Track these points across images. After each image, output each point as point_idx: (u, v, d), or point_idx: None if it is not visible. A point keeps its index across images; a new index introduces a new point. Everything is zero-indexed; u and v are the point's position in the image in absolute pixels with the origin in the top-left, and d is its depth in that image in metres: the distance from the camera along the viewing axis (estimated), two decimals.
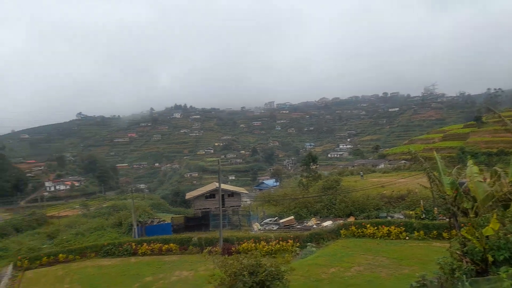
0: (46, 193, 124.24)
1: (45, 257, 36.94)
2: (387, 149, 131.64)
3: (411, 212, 38.12)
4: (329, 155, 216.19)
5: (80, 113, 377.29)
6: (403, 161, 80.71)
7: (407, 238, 31.61)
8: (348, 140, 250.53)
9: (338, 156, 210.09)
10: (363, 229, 33.96)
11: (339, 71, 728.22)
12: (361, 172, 66.78)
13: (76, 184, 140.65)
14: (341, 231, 34.69)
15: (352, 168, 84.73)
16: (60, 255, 37.30)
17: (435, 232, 30.92)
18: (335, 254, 29.35)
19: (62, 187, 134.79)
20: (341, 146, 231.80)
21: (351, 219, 40.84)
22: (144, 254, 36.60)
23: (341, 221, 39.89)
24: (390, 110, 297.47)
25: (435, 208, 36.42)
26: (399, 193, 44.26)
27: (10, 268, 34.90)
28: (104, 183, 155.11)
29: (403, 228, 32.43)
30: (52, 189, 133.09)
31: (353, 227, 34.57)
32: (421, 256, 26.35)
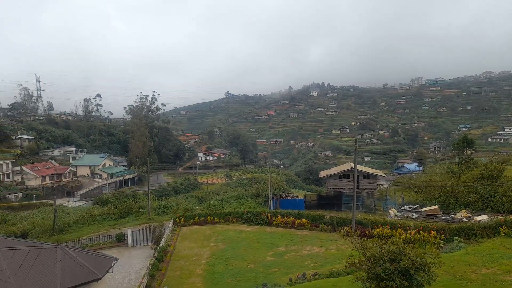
0: (198, 162, 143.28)
1: (197, 218, 42.87)
2: None
3: None
4: (489, 140, 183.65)
5: (227, 92, 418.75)
6: None
7: None
8: None
9: (503, 141, 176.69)
10: None
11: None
12: None
13: (222, 156, 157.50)
14: (501, 229, 29.19)
15: None
16: (209, 217, 42.68)
17: None
18: (491, 254, 25.00)
19: (210, 158, 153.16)
20: (507, 129, 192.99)
21: None
22: (278, 225, 38.64)
23: (501, 217, 33.57)
24: None
25: None
26: None
27: (170, 223, 41.85)
28: (245, 157, 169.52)
29: None
30: (203, 159, 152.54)
31: None
32: None
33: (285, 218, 39.01)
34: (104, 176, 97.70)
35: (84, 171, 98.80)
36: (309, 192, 59.76)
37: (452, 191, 42.75)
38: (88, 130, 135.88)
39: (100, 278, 19.09)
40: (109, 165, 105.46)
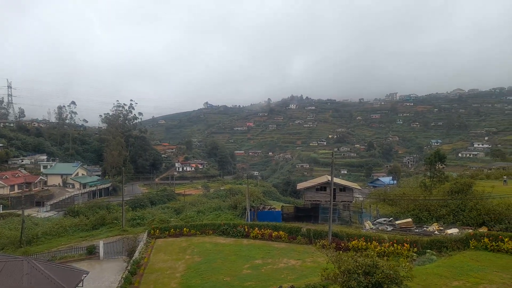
0: (175, 173, 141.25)
1: (172, 229, 42.06)
2: None
3: None
4: (459, 155, 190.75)
5: (207, 103, 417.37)
6: None
7: None
8: (486, 138, 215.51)
9: (471, 156, 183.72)
10: (500, 242, 28.93)
11: (483, 58, 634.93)
12: (505, 177, 56.99)
13: (200, 166, 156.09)
14: (471, 242, 30.18)
15: (489, 171, 73.03)
16: (185, 229, 41.95)
17: None
18: (461, 267, 25.77)
19: (188, 169, 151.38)
20: (476, 145, 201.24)
21: (484, 229, 35.21)
22: (255, 237, 38.43)
23: (471, 230, 34.75)
24: None
25: None
26: None
27: (145, 235, 40.87)
28: (223, 168, 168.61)
29: None
30: (180, 169, 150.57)
31: (486, 239, 29.74)
32: None
33: (262, 230, 38.88)
34: (77, 185, 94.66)
35: (55, 181, 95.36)
36: (287, 204, 59.94)
37: (424, 204, 43.92)
38: (61, 138, 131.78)
39: None
40: (82, 174, 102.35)
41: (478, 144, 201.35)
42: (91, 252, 35.21)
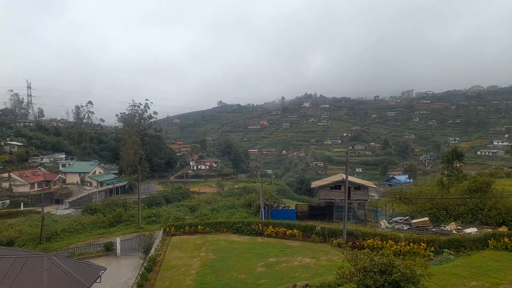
0: (190, 171, 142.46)
1: (187, 227, 42.52)
2: None
3: None
4: (478, 153, 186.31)
5: (220, 101, 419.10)
6: None
7: None
8: (506, 136, 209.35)
9: (491, 154, 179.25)
10: None
11: (503, 56, 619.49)
12: None
13: (214, 165, 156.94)
14: (490, 241, 29.51)
15: (509, 169, 71.03)
16: (199, 226, 42.37)
17: None
18: (480, 266, 25.24)
19: (202, 167, 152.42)
20: (495, 143, 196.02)
21: (504, 228, 34.39)
22: (269, 235, 38.49)
23: (490, 230, 33.97)
24: None
25: None
26: None
27: (161, 232, 41.42)
28: (237, 166, 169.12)
29: None
30: (195, 168, 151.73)
31: (506, 239, 29.03)
32: None
33: (276, 228, 38.91)
34: (94, 184, 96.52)
35: (73, 179, 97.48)
36: (301, 203, 59.77)
37: (442, 203, 43.15)
38: (79, 137, 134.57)
39: None
40: (100, 172, 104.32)
41: (498, 142, 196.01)
42: (109, 249, 35.91)
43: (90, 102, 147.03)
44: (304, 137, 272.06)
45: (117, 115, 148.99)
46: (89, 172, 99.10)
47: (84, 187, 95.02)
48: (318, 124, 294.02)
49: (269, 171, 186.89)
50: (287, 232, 37.92)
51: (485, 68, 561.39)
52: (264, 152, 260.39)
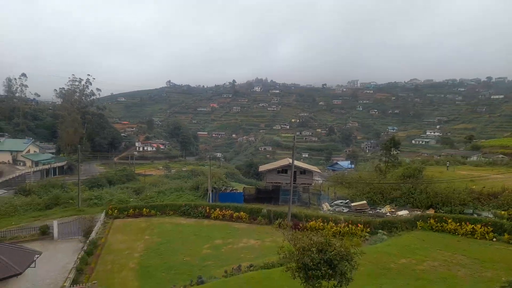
0: (135, 153, 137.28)
1: (131, 210, 41.29)
2: (483, 140, 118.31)
3: (503, 212, 33.97)
4: (413, 141, 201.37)
5: (169, 81, 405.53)
6: (500, 155, 71.80)
7: (494, 239, 28.32)
8: (438, 127, 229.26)
9: (424, 143, 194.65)
10: (443, 223, 31.30)
11: (437, 52, 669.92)
12: (448, 163, 61.30)
13: (161, 147, 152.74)
14: (418, 223, 32.42)
15: (439, 157, 77.93)
16: (144, 209, 41.34)
17: None
18: (408, 245, 27.66)
19: (149, 149, 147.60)
20: (428, 133, 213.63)
21: (431, 211, 37.89)
22: (216, 218, 38.69)
23: (419, 212, 37.28)
24: (493, 97, 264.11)
25: None
26: (492, 190, 39.57)
27: (102, 215, 39.78)
28: (185, 149, 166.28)
29: (491, 228, 29.05)
30: (141, 149, 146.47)
31: (432, 220, 32.05)
32: (509, 261, 23.51)
33: (224, 211, 39.20)
34: (28, 163, 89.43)
35: (4, 158, 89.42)
36: (248, 186, 60.63)
37: (378, 187, 46.31)
38: (10, 113, 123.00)
39: (20, 273, 17.64)
40: (35, 151, 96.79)
41: (430, 132, 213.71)
42: (45, 233, 33.82)
43: (23, 75, 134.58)
44: (254, 122, 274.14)
45: (55, 90, 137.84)
46: (22, 151, 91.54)
47: (17, 166, 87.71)
48: (268, 109, 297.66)
49: (219, 155, 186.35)
50: (234, 215, 38.38)
51: (424, 63, 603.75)
52: (213, 135, 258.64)
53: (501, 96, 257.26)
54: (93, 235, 32.06)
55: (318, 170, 60.14)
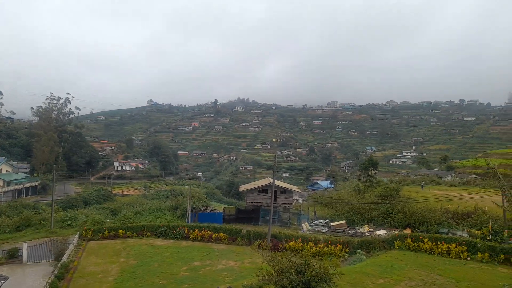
0: (113, 172, 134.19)
1: (107, 231, 40.02)
2: (457, 160, 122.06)
3: (476, 231, 34.87)
4: (390, 162, 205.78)
5: (150, 100, 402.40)
6: (473, 176, 74.12)
7: (468, 258, 28.97)
8: (414, 147, 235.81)
9: (401, 163, 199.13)
10: (420, 243, 31.84)
11: (413, 75, 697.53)
12: (423, 183, 62.80)
13: (141, 166, 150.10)
14: (396, 242, 32.84)
15: (415, 177, 79.65)
16: (120, 230, 40.16)
17: (502, 256, 27.93)
18: (386, 265, 27.88)
19: (128, 168, 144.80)
20: (405, 153, 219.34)
21: (408, 231, 38.49)
22: (195, 239, 37.98)
23: (397, 231, 37.77)
24: (465, 119, 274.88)
25: (506, 230, 32.97)
26: (465, 210, 40.73)
27: (76, 237, 38.37)
28: (165, 168, 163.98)
29: (465, 248, 29.77)
30: (119, 168, 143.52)
31: (409, 240, 32.54)
32: (483, 280, 24.04)
33: (203, 231, 38.57)
34: (0, 183, 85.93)
35: None
36: (229, 206, 60.07)
37: (357, 207, 46.77)
38: None
39: None
40: (7, 171, 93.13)
41: (407, 152, 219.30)
42: (13, 256, 32.24)
43: None
44: (235, 141, 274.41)
45: (32, 108, 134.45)
46: None
47: None
48: (250, 128, 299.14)
49: (199, 174, 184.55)
50: (213, 236, 37.81)
51: (400, 85, 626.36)
52: (194, 154, 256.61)
53: (473, 118, 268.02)
54: (65, 258, 30.80)
55: (299, 190, 60.37)
